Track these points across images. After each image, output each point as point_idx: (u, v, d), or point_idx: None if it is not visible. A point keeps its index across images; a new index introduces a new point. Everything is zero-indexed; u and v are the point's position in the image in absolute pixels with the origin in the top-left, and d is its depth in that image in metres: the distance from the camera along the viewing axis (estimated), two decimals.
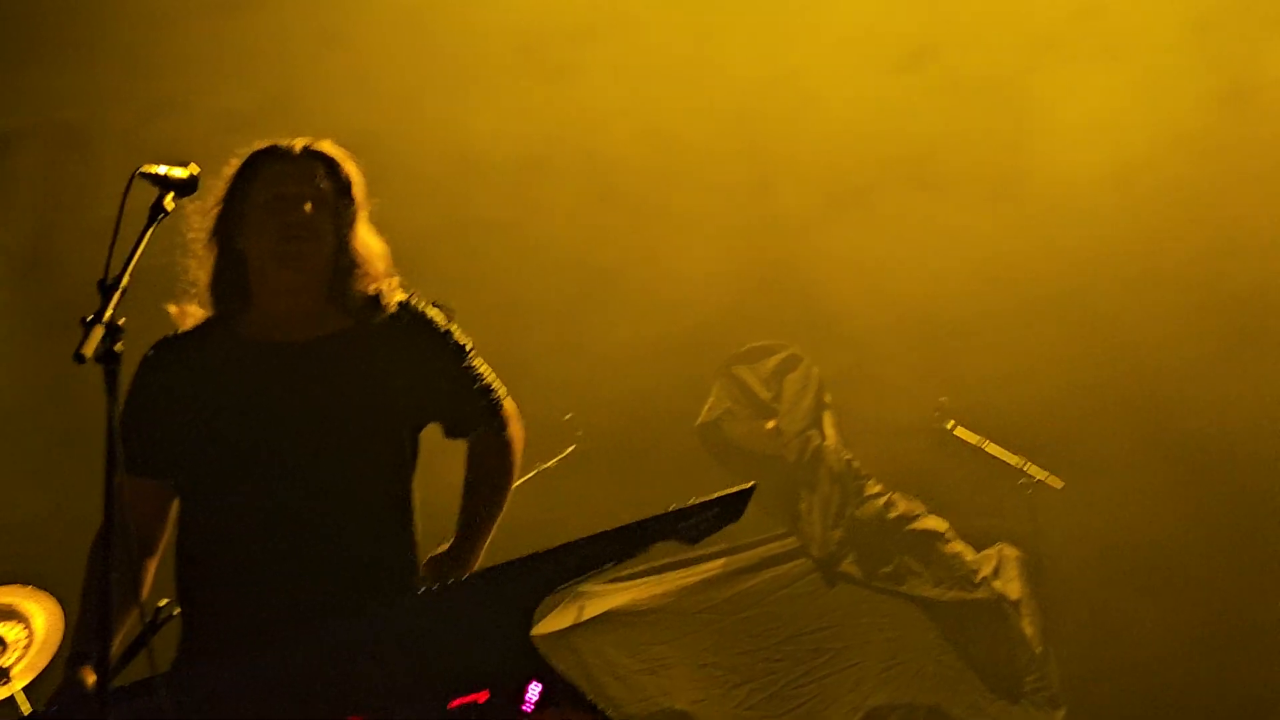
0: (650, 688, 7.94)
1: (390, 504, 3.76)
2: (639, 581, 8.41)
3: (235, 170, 3.90)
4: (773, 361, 8.72)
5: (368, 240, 3.92)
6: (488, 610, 3.38)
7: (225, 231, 3.86)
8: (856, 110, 9.50)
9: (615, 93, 9.56)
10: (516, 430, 4.03)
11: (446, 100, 9.47)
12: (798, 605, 8.24)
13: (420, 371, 3.83)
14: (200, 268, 3.91)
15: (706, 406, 8.66)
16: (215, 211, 3.88)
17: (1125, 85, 9.16)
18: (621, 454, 9.33)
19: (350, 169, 3.94)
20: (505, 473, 3.97)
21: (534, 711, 3.32)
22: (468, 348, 3.97)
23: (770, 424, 8.59)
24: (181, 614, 3.73)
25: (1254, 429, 8.85)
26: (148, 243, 3.37)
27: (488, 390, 3.97)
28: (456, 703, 3.29)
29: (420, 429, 3.90)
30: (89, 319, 3.11)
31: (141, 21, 9.22)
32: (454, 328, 3.97)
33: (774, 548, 8.43)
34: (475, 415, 3.95)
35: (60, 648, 6.64)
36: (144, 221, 3.41)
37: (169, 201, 3.47)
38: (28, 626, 6.58)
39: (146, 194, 3.45)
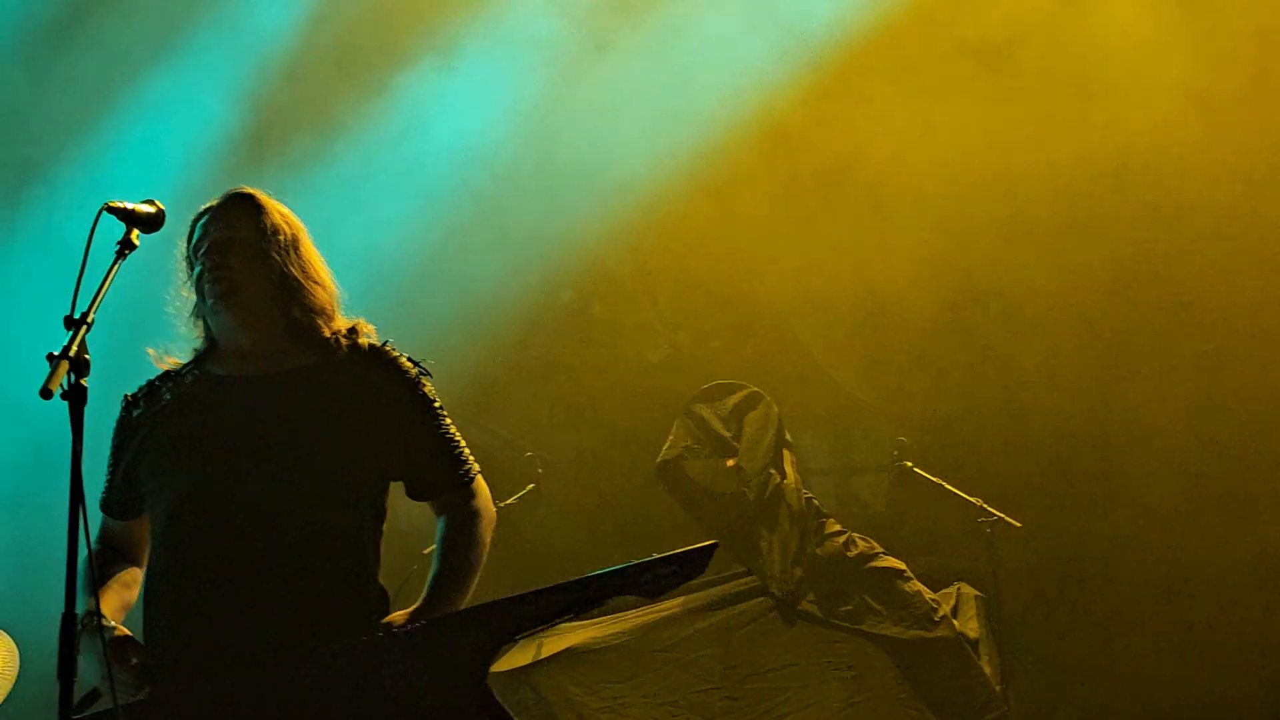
0: None
1: (345, 541, 3.71)
2: (598, 620, 8.39)
3: (185, 249, 3.95)
4: (733, 400, 8.72)
5: (308, 271, 3.92)
6: (445, 656, 3.37)
7: (199, 308, 3.92)
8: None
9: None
10: (486, 505, 3.96)
11: None
12: (757, 644, 8.22)
13: (383, 418, 3.80)
14: (200, 335, 3.96)
15: (666, 445, 8.65)
16: (188, 295, 3.94)
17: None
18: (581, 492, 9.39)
19: (272, 205, 3.95)
20: (472, 545, 3.88)
21: None
22: (438, 405, 3.93)
23: (730, 462, 8.58)
24: (145, 638, 3.72)
25: (1212, 465, 8.93)
26: (114, 278, 3.39)
27: (457, 456, 3.92)
28: None
29: (384, 476, 3.85)
30: (55, 355, 3.12)
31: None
32: (428, 384, 3.93)
33: (734, 586, 8.42)
34: (440, 478, 3.90)
35: (15, 684, 6.64)
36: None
37: (135, 237, 3.50)
38: None
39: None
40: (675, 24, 9.66)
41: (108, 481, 3.91)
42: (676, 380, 9.65)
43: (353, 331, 3.92)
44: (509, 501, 8.90)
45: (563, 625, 8.23)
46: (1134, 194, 9.08)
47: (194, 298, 3.90)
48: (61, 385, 3.13)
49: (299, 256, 3.90)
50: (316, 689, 3.38)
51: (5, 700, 6.64)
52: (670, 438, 8.67)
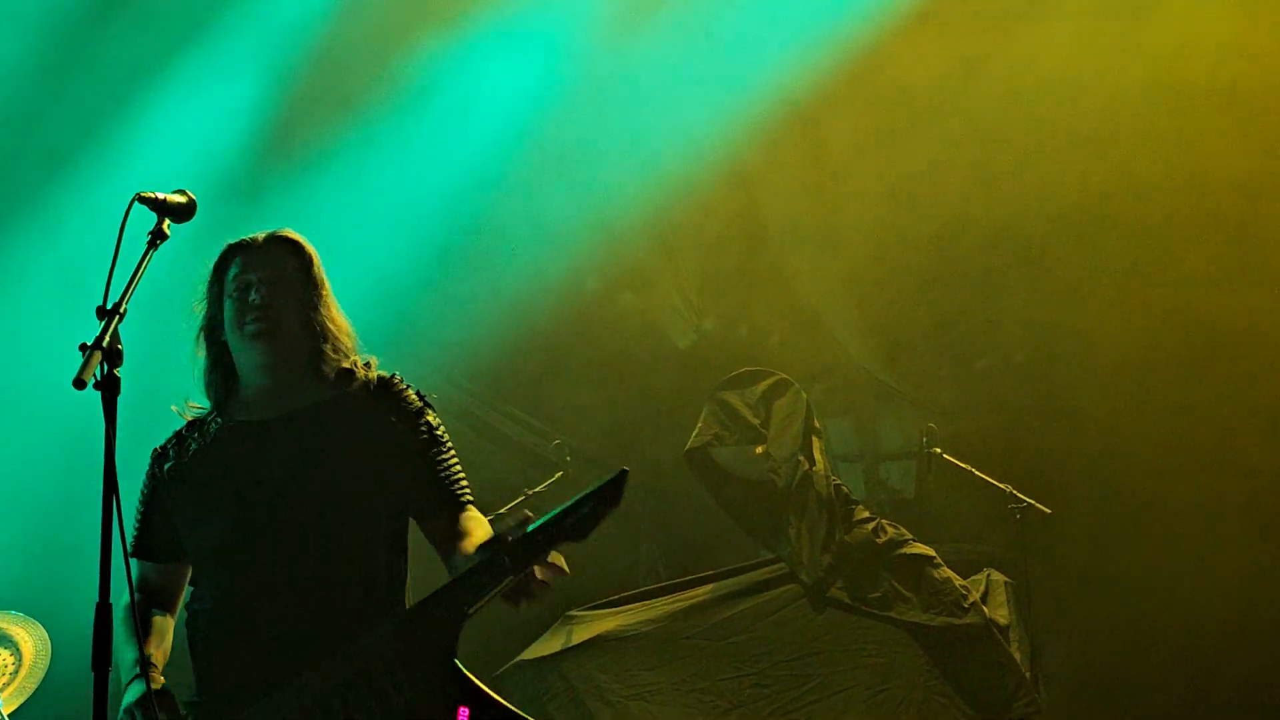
0: (639, 713, 7.93)
1: (367, 569, 3.85)
2: (627, 607, 8.41)
3: (212, 268, 4.03)
4: (761, 387, 8.71)
5: (335, 317, 4.04)
6: (409, 655, 3.57)
7: (210, 326, 4.02)
8: None
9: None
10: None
11: None
12: (786, 630, 8.22)
13: (391, 446, 3.93)
14: (203, 360, 4.04)
15: (695, 432, 8.65)
16: (202, 309, 4.03)
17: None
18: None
19: (310, 250, 4.03)
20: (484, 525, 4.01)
21: None
22: (441, 435, 4.05)
23: (758, 449, 8.57)
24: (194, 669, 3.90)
25: (1244, 447, 8.89)
26: (145, 268, 3.40)
27: (454, 482, 4.03)
28: None
29: (399, 499, 3.99)
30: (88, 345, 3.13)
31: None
32: (431, 415, 4.04)
33: (763, 573, 8.43)
34: (436, 500, 4.00)
35: (47, 672, 6.73)
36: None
37: (166, 226, 3.51)
38: (15, 651, 6.66)
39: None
40: (703, 12, 9.64)
41: (141, 528, 4.03)
42: (704, 367, 9.66)
43: (367, 365, 4.05)
44: (539, 489, 8.91)
45: (593, 613, 8.29)
46: (1176, 165, 8.99)
47: (209, 317, 4.02)
48: (94, 375, 3.15)
49: (328, 304, 4.03)
50: (302, 712, 3.59)
51: (39, 689, 6.73)
52: (699, 425, 8.67)
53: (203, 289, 4.02)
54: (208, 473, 3.90)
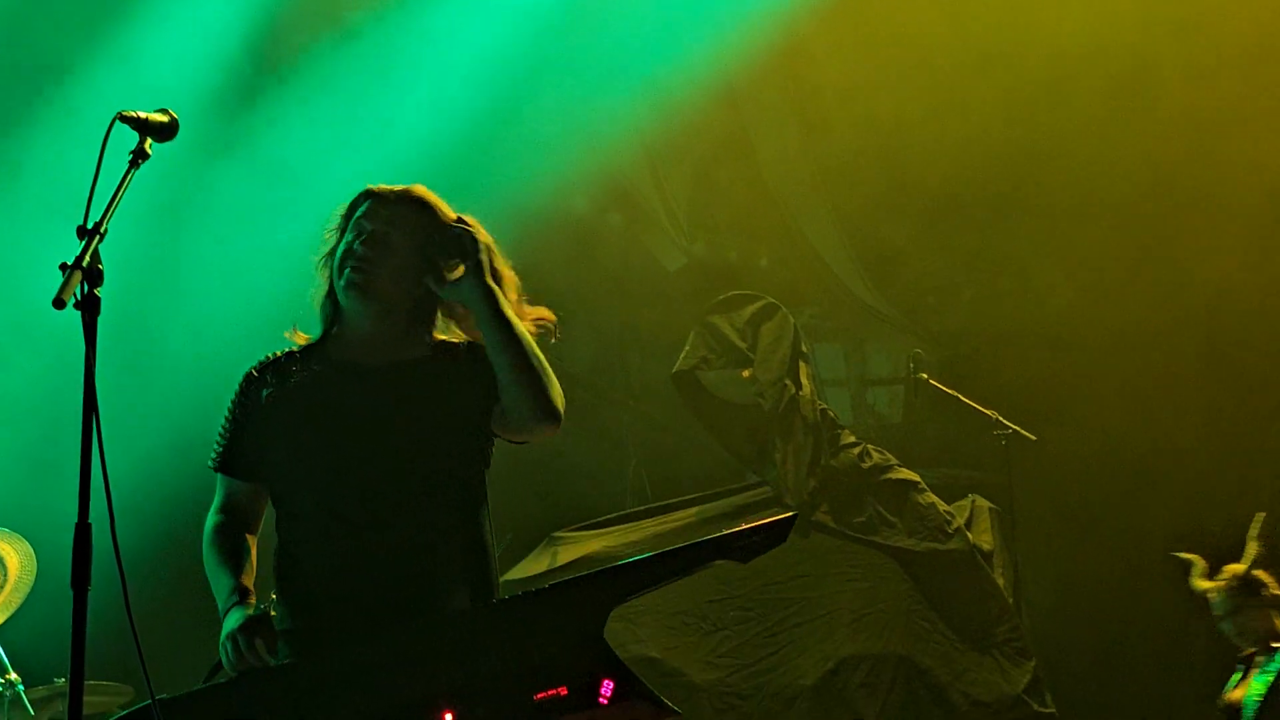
0: (623, 634, 7.97)
1: (456, 518, 3.93)
2: (613, 529, 8.44)
3: (347, 206, 4.05)
4: (749, 310, 8.70)
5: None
6: (563, 618, 3.65)
7: (330, 256, 4.03)
8: None
9: None
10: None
11: None
12: (771, 555, 8.23)
13: (481, 402, 3.96)
14: (320, 289, 4.06)
15: (682, 355, 8.65)
16: (332, 239, 4.04)
17: None
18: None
19: (445, 213, 4.04)
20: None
21: (609, 705, 3.57)
22: None
23: (745, 373, 8.58)
24: (278, 601, 3.95)
25: (1232, 375, 8.90)
26: (127, 187, 3.38)
27: None
28: (540, 696, 3.56)
29: (487, 439, 4.05)
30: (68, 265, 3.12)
31: None
32: None
33: (747, 496, 8.47)
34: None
35: (32, 588, 6.76)
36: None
37: (148, 145, 3.49)
38: (1, 567, 6.69)
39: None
40: None
41: (230, 444, 4.03)
42: (693, 290, 9.64)
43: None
44: None
45: (578, 534, 8.33)
46: (1170, 91, 8.94)
47: (332, 248, 4.04)
48: (75, 295, 3.13)
49: (434, 274, 4.01)
50: (452, 646, 3.67)
51: (24, 604, 6.76)
52: (686, 348, 8.67)
53: (337, 219, 4.04)
54: (309, 409, 3.94)
